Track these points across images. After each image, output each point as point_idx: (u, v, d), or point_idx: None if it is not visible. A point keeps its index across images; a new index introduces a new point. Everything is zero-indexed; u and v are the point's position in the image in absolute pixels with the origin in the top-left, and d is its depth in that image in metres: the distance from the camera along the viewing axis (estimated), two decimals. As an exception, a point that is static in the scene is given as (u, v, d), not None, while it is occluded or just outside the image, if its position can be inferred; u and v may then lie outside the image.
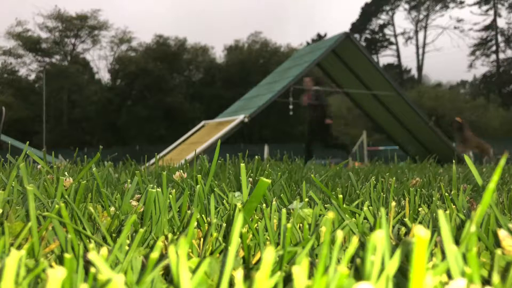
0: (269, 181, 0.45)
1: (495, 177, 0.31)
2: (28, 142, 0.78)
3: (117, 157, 1.75)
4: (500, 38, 28.25)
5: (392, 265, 0.24)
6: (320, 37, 27.76)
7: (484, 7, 28.32)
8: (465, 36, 33.16)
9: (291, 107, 5.50)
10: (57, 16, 25.36)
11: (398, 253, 0.24)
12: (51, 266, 0.41)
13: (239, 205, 0.50)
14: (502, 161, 0.37)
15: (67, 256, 0.29)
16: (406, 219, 0.50)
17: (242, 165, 0.56)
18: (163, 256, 0.39)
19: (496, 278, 0.24)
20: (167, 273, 0.39)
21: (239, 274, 0.22)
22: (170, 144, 5.09)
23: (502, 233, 0.35)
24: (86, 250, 0.40)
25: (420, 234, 0.19)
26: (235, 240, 0.24)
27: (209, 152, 4.14)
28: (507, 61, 28.04)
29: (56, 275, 0.19)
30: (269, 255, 0.20)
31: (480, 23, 28.87)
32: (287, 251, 0.31)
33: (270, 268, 0.21)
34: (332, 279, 0.22)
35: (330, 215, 0.27)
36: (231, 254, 0.24)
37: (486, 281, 0.35)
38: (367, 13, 30.72)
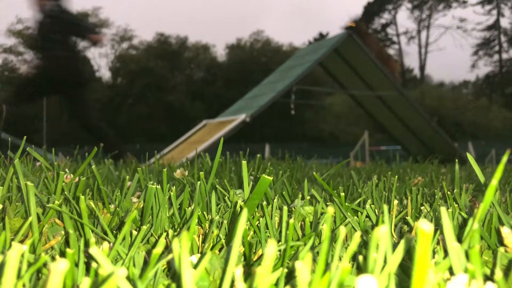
0: (270, 178, 0.45)
1: (497, 175, 0.31)
2: (25, 137, 0.77)
3: (118, 156, 1.76)
4: (503, 38, 28.17)
5: (395, 259, 0.24)
6: (322, 36, 27.72)
7: (487, 7, 28.23)
8: (468, 36, 33.12)
9: (292, 106, 5.46)
10: (58, 14, 25.36)
11: (401, 247, 0.24)
12: (53, 259, 0.41)
13: (240, 202, 0.50)
14: (504, 158, 0.37)
15: (69, 250, 0.29)
16: (408, 218, 0.50)
17: (244, 162, 0.56)
18: (163, 253, 0.39)
19: (498, 274, 0.24)
20: (168, 269, 0.39)
21: (238, 271, 0.22)
22: (171, 143, 5.10)
23: (505, 231, 0.34)
24: (87, 246, 0.40)
25: (424, 228, 0.19)
26: (239, 235, 0.24)
27: (210, 151, 4.14)
28: (510, 61, 27.95)
29: (58, 267, 0.19)
30: (271, 249, 0.20)
31: (483, 23, 28.80)
32: (289, 246, 0.31)
33: (272, 262, 0.20)
34: (335, 275, 0.22)
35: (330, 210, 0.27)
36: (234, 249, 0.24)
37: (488, 279, 0.35)
38: (370, 12, 30.66)
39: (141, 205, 0.53)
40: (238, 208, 0.49)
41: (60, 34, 2.65)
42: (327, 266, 0.30)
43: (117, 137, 3.36)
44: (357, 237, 0.24)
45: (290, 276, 0.34)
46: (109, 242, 0.42)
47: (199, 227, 0.48)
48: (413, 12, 29.93)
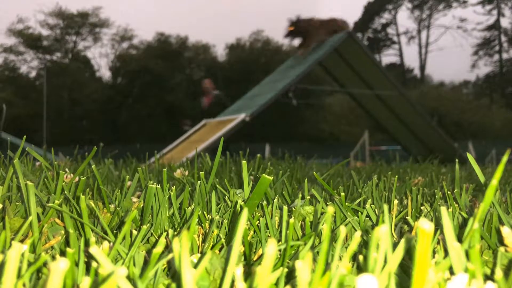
0: (270, 178, 0.45)
1: (498, 175, 0.31)
2: (25, 136, 0.77)
3: (118, 155, 1.75)
4: (503, 38, 28.17)
5: (395, 259, 0.24)
6: (322, 36, 27.64)
7: (488, 7, 28.23)
8: (468, 35, 33.08)
9: (294, 102, 5.42)
10: (58, 13, 25.41)
11: (401, 247, 0.24)
12: (53, 258, 0.41)
13: (240, 201, 0.50)
14: (504, 158, 0.37)
15: (69, 250, 0.29)
16: (409, 217, 0.50)
17: (244, 161, 0.56)
18: (163, 252, 0.39)
19: (498, 274, 0.24)
20: (168, 269, 0.39)
21: (238, 270, 0.22)
22: (171, 143, 5.10)
23: (505, 231, 0.34)
24: (87, 245, 0.40)
25: (424, 227, 0.19)
26: (239, 235, 0.24)
27: (210, 151, 4.14)
28: (510, 61, 27.94)
29: (58, 267, 0.19)
30: (271, 248, 0.20)
31: (483, 23, 28.80)
32: (289, 246, 0.31)
33: (273, 262, 0.20)
34: (335, 274, 0.22)
35: (330, 210, 0.27)
36: (235, 249, 0.24)
37: (488, 278, 0.35)
38: (370, 12, 30.65)
39: (141, 205, 0.53)
40: (238, 207, 0.49)
41: None
42: (327, 265, 0.30)
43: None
44: (357, 237, 0.24)
45: (290, 276, 0.34)
46: (109, 242, 0.42)
47: (199, 226, 0.48)
48: (413, 12, 29.92)
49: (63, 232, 0.46)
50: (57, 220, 0.48)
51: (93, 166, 0.65)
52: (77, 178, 0.64)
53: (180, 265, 0.22)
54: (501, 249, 0.34)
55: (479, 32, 29.20)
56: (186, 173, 0.91)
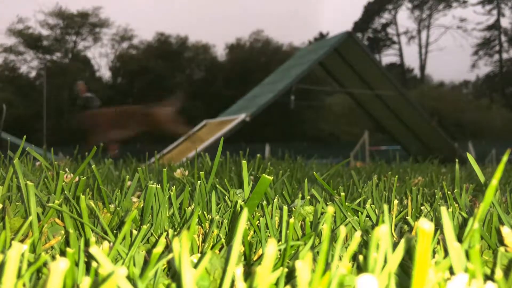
0: (270, 178, 0.45)
1: (498, 175, 0.31)
2: (25, 136, 0.77)
3: (118, 155, 1.75)
4: (503, 38, 28.19)
5: (395, 259, 0.24)
6: (322, 36, 27.73)
7: (488, 7, 28.25)
8: (468, 35, 33.09)
9: (293, 97, 5.43)
10: (58, 13, 25.44)
11: (401, 247, 0.24)
12: (53, 258, 0.41)
13: (240, 201, 0.50)
14: (504, 158, 0.36)
15: (69, 250, 0.29)
16: (409, 217, 0.50)
17: (244, 161, 0.56)
18: (163, 252, 0.39)
19: (498, 274, 0.24)
20: (168, 269, 0.39)
21: (238, 270, 0.22)
22: (171, 143, 5.11)
23: (505, 230, 0.34)
24: (87, 245, 0.40)
25: (424, 227, 0.19)
26: (239, 235, 0.24)
27: (210, 151, 4.14)
28: (510, 61, 27.96)
29: (58, 267, 0.19)
30: (271, 248, 0.20)
31: (483, 23, 28.82)
32: (289, 245, 0.31)
33: (273, 262, 0.20)
34: (335, 274, 0.22)
35: (330, 210, 0.27)
36: (235, 249, 0.24)
37: (488, 278, 0.35)
38: (370, 12, 30.67)
39: (141, 205, 0.53)
40: (238, 207, 0.49)
41: None
42: (327, 265, 0.30)
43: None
44: (357, 237, 0.24)
45: (290, 276, 0.34)
46: (109, 242, 0.42)
47: (199, 226, 0.48)
48: (413, 12, 29.94)
49: (63, 232, 0.46)
50: (57, 220, 0.48)
51: (93, 166, 0.65)
52: (77, 178, 0.64)
53: (180, 265, 0.22)
54: (501, 249, 0.34)
55: (479, 32, 29.22)
56: (186, 173, 0.91)
